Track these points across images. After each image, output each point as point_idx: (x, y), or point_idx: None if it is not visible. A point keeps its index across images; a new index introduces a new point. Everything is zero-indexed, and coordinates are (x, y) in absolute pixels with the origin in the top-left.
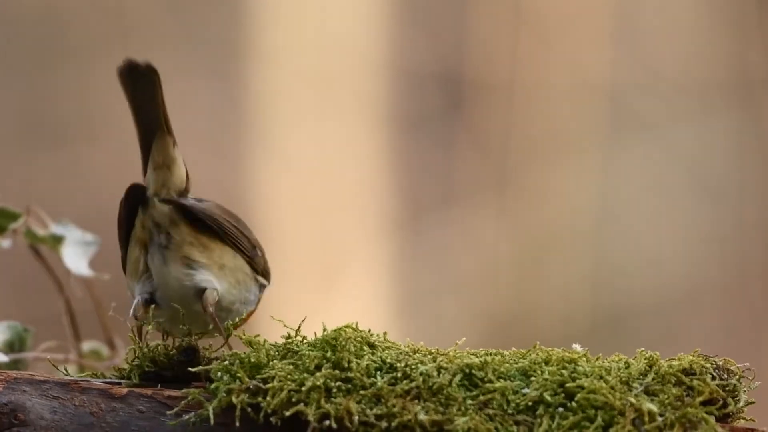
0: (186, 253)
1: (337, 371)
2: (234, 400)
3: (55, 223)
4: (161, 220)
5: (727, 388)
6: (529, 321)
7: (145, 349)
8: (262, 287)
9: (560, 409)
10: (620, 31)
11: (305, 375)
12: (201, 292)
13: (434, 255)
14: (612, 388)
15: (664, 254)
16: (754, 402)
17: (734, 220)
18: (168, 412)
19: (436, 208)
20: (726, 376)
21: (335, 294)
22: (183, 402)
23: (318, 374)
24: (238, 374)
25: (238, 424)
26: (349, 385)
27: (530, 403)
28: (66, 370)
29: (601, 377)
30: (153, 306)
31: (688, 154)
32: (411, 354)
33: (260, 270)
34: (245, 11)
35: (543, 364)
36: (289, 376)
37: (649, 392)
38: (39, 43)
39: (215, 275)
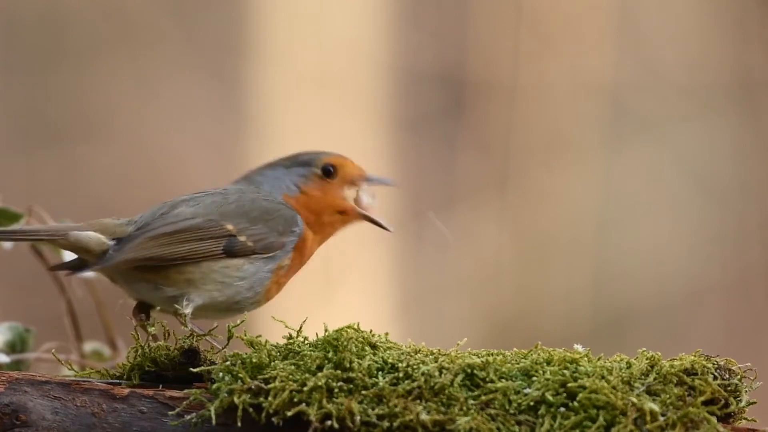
0: (147, 280)
1: (338, 371)
2: (236, 400)
3: (57, 224)
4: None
5: (729, 388)
6: (530, 321)
7: (146, 349)
8: (271, 257)
9: (562, 409)
10: (622, 32)
11: (307, 375)
12: (174, 298)
13: (436, 255)
14: (614, 387)
15: (666, 255)
16: (755, 402)
17: (736, 220)
18: (169, 413)
19: (438, 208)
20: (727, 376)
21: (336, 294)
22: (185, 402)
23: (320, 374)
24: (240, 375)
25: (239, 424)
26: (351, 386)
27: (532, 403)
28: (71, 366)
29: (603, 377)
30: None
31: (689, 155)
32: (412, 354)
33: (250, 250)
34: (245, 11)
35: (545, 364)
36: (290, 377)
37: (650, 392)
38: (39, 43)
39: (188, 290)
